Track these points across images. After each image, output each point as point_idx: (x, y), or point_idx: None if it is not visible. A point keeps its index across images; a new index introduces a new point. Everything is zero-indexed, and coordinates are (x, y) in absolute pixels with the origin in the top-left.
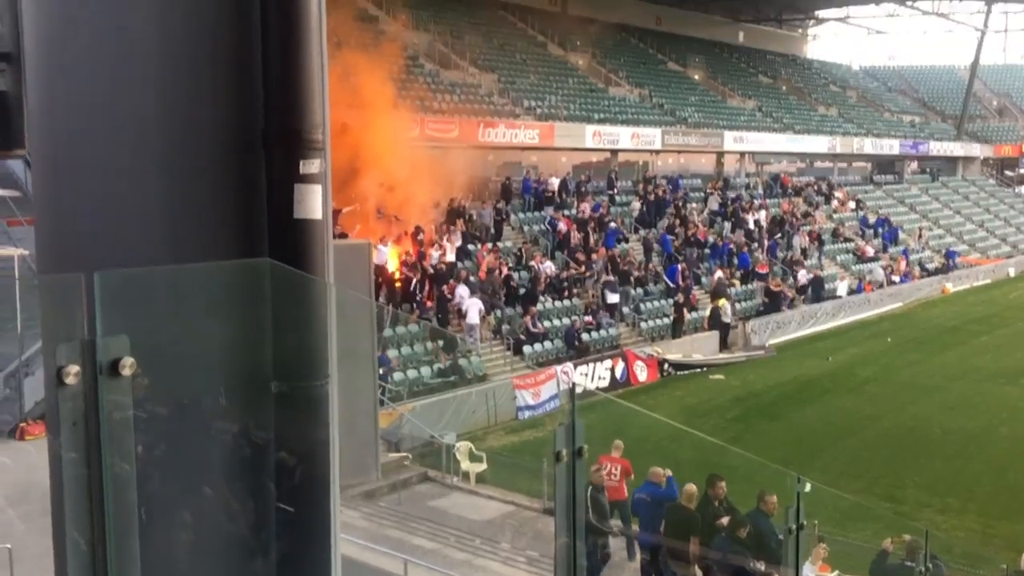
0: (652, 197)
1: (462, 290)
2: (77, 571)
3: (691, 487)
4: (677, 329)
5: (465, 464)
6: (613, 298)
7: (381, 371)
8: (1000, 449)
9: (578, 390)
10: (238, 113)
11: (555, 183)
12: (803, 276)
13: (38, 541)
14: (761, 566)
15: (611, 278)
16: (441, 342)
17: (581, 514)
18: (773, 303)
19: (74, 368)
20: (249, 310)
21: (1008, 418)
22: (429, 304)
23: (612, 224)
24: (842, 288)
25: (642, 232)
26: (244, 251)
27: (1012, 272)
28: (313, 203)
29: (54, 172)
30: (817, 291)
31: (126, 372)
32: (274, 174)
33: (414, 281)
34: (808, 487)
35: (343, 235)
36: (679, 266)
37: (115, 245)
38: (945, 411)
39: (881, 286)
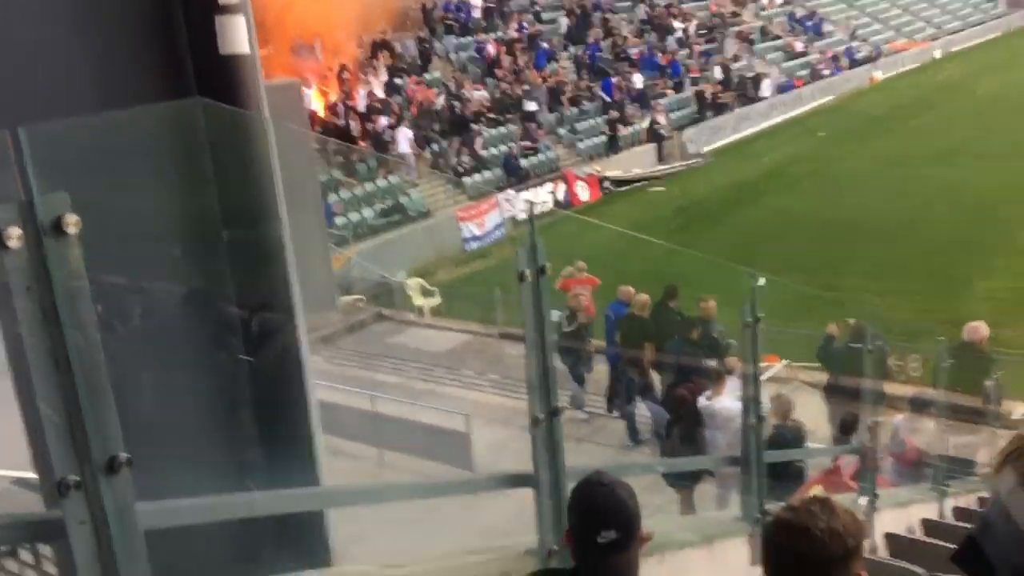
0: (578, 11)
1: (401, 133)
2: (59, 451)
3: (643, 296)
4: (614, 145)
5: (418, 300)
6: (531, 105)
7: (331, 219)
8: (934, 230)
9: (522, 215)
10: None
11: (479, 4)
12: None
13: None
14: (712, 363)
15: (527, 87)
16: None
17: (551, 332)
18: (704, 109)
19: (15, 231)
20: (187, 153)
21: (940, 200)
22: (363, 144)
23: (544, 44)
24: (766, 88)
25: (571, 49)
26: (172, 93)
27: (938, 54)
28: (238, 36)
29: None
30: (746, 91)
31: (71, 230)
32: (191, 7)
33: (344, 121)
34: (762, 281)
35: None
36: (613, 80)
37: (36, 98)
38: (880, 199)
39: (810, 81)
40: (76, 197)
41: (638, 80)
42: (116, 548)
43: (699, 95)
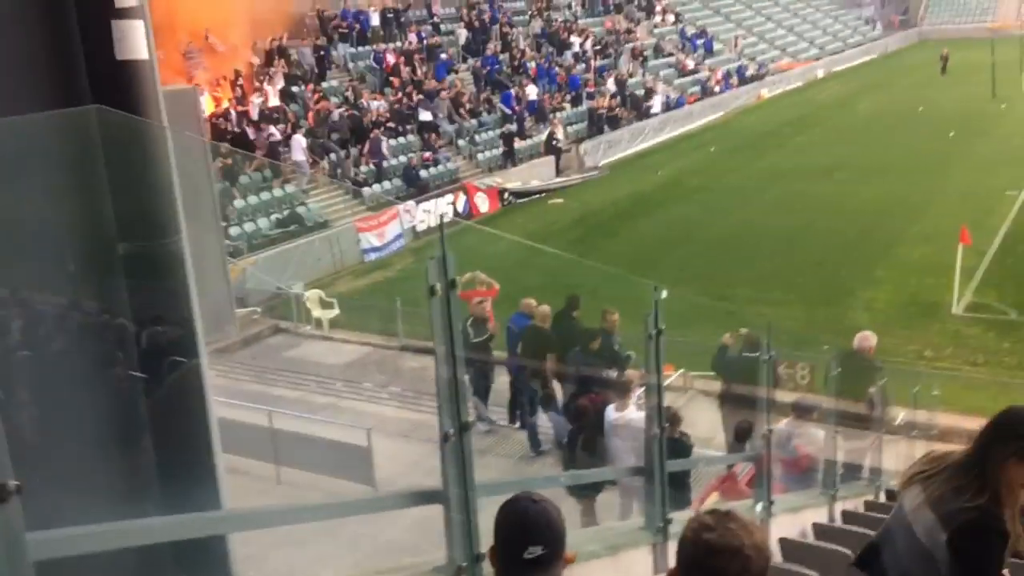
0: (477, 24)
1: (295, 141)
2: None
3: (544, 307)
4: (512, 157)
5: (317, 312)
6: (425, 115)
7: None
8: (818, 242)
9: (422, 226)
10: None
11: (375, 16)
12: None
13: None
14: (613, 374)
15: (420, 96)
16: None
17: (460, 345)
18: (599, 123)
19: None
20: (81, 161)
21: (824, 213)
22: (257, 152)
23: (443, 55)
24: (656, 104)
25: (471, 61)
26: (65, 100)
27: (821, 73)
28: (136, 41)
29: None
30: (638, 106)
31: None
32: (86, 11)
33: (238, 128)
34: (665, 294)
35: None
36: (512, 92)
37: None
38: (768, 212)
39: (701, 98)
40: None
41: (533, 91)
42: None
43: (594, 110)
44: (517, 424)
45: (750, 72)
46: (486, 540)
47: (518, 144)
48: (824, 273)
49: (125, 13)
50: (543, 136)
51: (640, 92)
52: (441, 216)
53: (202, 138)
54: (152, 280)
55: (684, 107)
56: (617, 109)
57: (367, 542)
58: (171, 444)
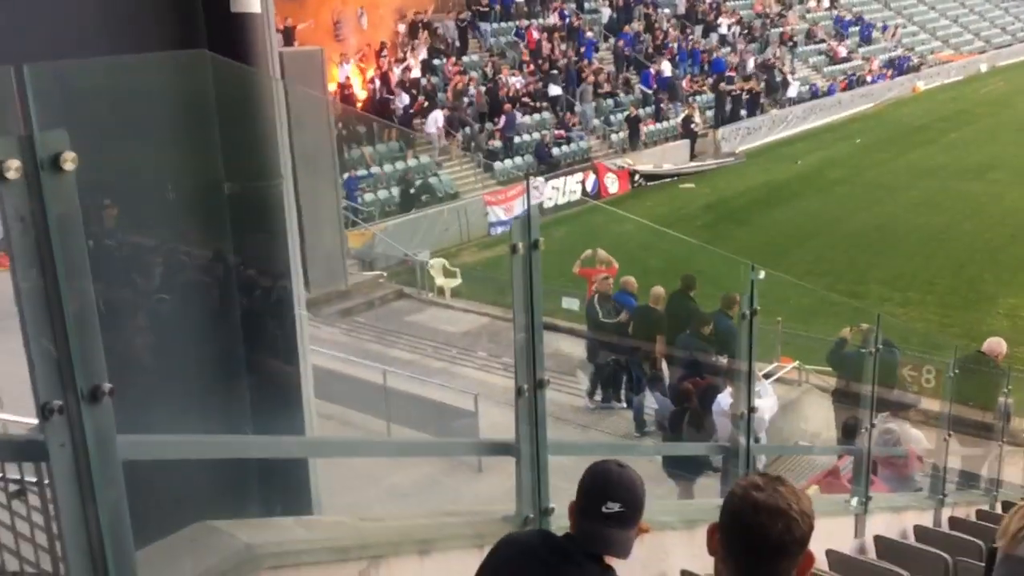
0: (621, 3)
1: (432, 114)
2: (46, 377)
3: (658, 289)
4: (646, 139)
5: (439, 280)
6: (555, 90)
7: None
8: (961, 244)
9: (548, 203)
10: None
11: None
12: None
13: (19, 365)
14: (724, 360)
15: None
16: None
17: (540, 305)
18: (737, 108)
19: (14, 163)
20: (192, 103)
21: (971, 214)
22: (395, 123)
23: (588, 33)
24: (792, 90)
25: (611, 40)
26: (182, 45)
27: (984, 68)
28: None
29: None
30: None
31: (68, 167)
32: None
33: (377, 97)
34: (762, 274)
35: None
36: (651, 71)
37: (48, 38)
38: (910, 209)
39: (851, 87)
40: (76, 136)
41: (667, 68)
42: (94, 473)
43: (733, 94)
44: (623, 404)
45: (906, 62)
46: (555, 497)
47: (652, 126)
48: (965, 276)
49: None
50: (677, 119)
51: (778, 78)
52: (527, 174)
53: (321, 97)
54: (253, 219)
55: (833, 95)
56: (756, 94)
57: (456, 495)
58: (265, 377)
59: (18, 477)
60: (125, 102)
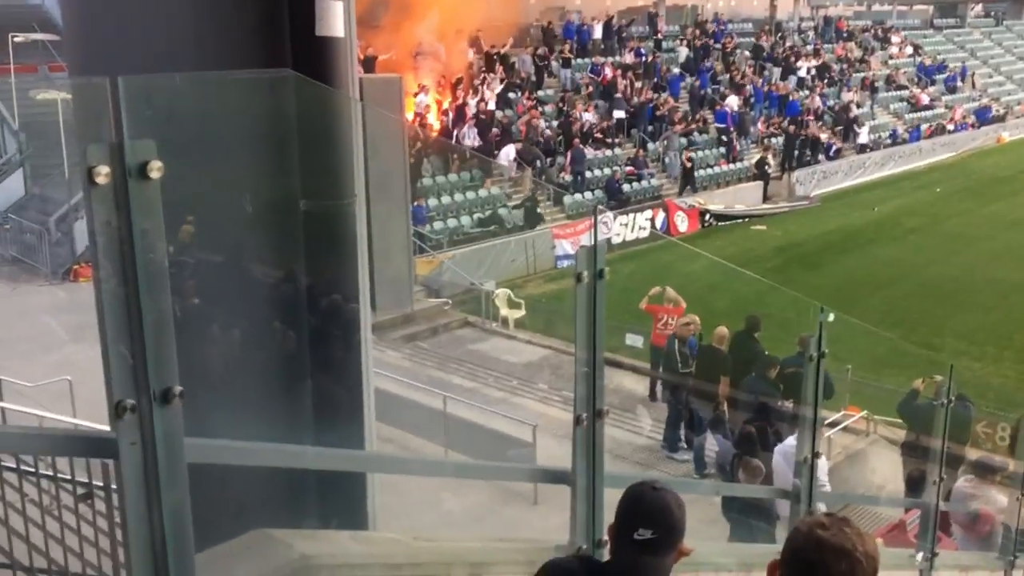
0: (699, 43)
1: (505, 148)
2: (120, 377)
3: (722, 329)
4: (690, 183)
5: (504, 310)
6: (619, 113)
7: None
8: None
9: (616, 239)
10: None
11: (598, 28)
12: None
13: (96, 374)
14: (789, 405)
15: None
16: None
17: (602, 335)
18: (811, 153)
19: (104, 169)
20: (274, 121)
21: None
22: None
23: (675, 70)
24: (864, 135)
25: (688, 79)
26: (267, 64)
27: None
28: (334, 20)
29: None
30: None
31: (154, 175)
32: None
33: (454, 130)
34: (832, 317)
35: None
36: (728, 110)
37: (141, 51)
38: (990, 261)
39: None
40: (162, 147)
41: (734, 102)
42: (161, 472)
43: (806, 137)
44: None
45: (991, 112)
46: None
47: (725, 166)
48: None
49: None
50: (750, 160)
51: (854, 121)
52: (595, 205)
53: (398, 120)
54: (326, 237)
55: (913, 143)
56: (832, 139)
57: (515, 525)
58: (328, 394)
59: (86, 480)
60: (211, 117)
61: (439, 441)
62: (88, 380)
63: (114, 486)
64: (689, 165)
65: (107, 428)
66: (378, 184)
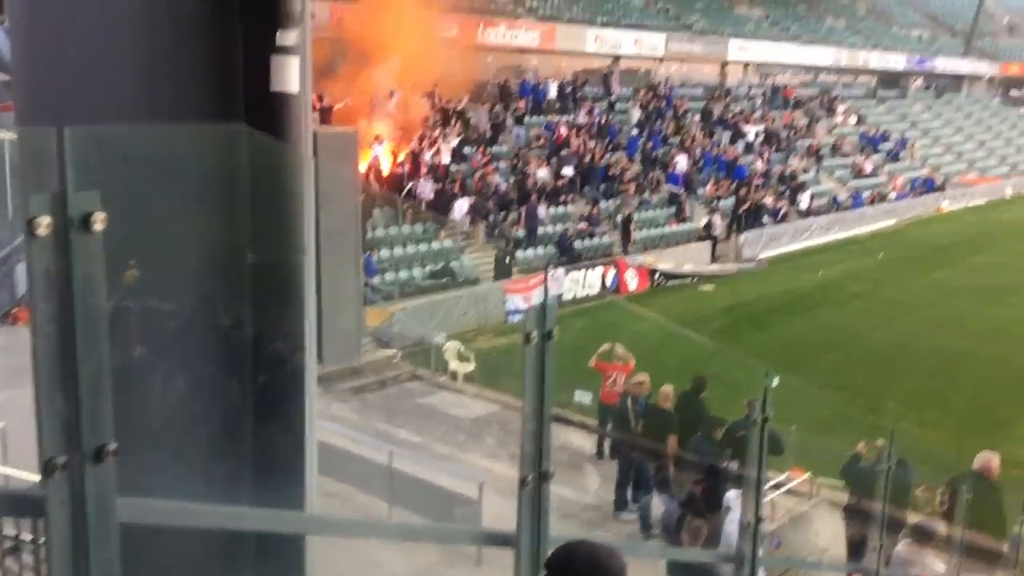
0: (651, 106)
1: (459, 201)
2: (52, 433)
3: (667, 388)
4: (626, 244)
5: (454, 363)
6: (568, 171)
7: (373, 274)
8: (981, 368)
9: (568, 296)
10: None
11: (553, 88)
12: (805, 197)
13: (30, 420)
14: (735, 466)
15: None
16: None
17: (550, 396)
18: (757, 215)
19: (45, 219)
20: (224, 175)
21: (992, 338)
22: (422, 205)
23: (634, 131)
24: (805, 200)
25: (641, 140)
26: (220, 119)
27: (1009, 192)
28: (289, 75)
29: (31, 29)
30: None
31: (97, 227)
32: (250, 45)
33: (408, 183)
34: (776, 381)
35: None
36: (679, 174)
37: (92, 103)
38: (931, 329)
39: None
40: (108, 198)
41: (683, 162)
42: (90, 532)
43: (758, 202)
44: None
45: (931, 182)
46: None
47: (674, 226)
48: (984, 401)
49: (285, 50)
50: (698, 221)
51: (796, 187)
52: (546, 268)
53: (350, 178)
54: (273, 290)
55: (858, 209)
56: (778, 203)
57: None
58: (269, 446)
59: (14, 534)
60: (160, 169)
61: (384, 497)
62: (23, 427)
63: (43, 539)
64: (629, 223)
65: (38, 479)
66: (330, 236)
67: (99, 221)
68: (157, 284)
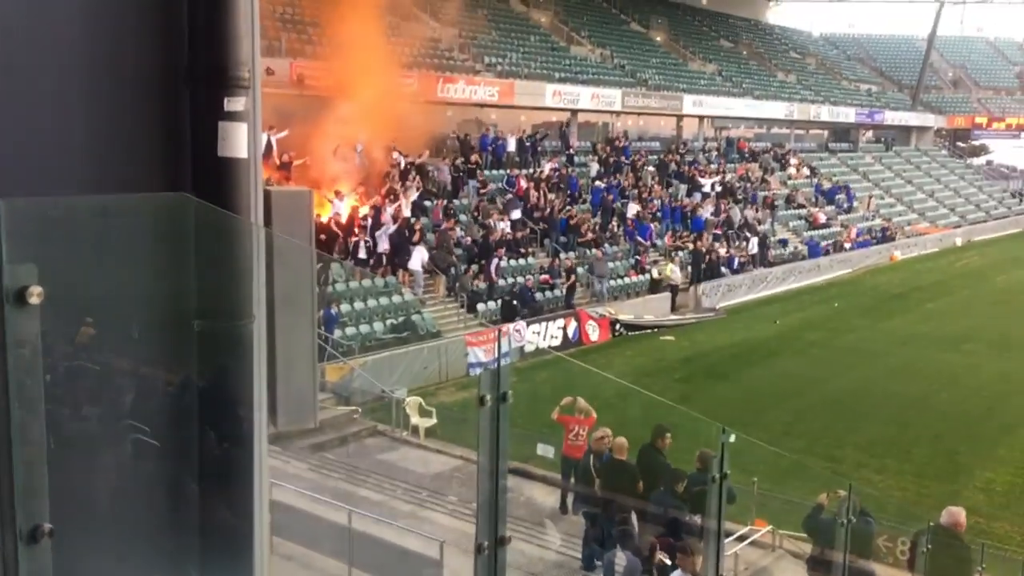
0: (611, 160)
1: (417, 251)
2: None
3: (621, 440)
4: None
5: (415, 419)
6: (516, 214)
7: (333, 328)
8: (938, 414)
9: (529, 348)
10: (162, 48)
11: (512, 142)
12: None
13: None
14: (698, 519)
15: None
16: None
17: (505, 459)
18: (711, 268)
19: None
20: (168, 245)
21: (947, 384)
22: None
23: (598, 183)
24: (753, 245)
25: (600, 192)
26: (167, 187)
27: (959, 241)
28: (238, 141)
29: None
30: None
31: (33, 300)
32: (198, 111)
33: (369, 239)
34: (732, 438)
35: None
36: (651, 226)
37: (34, 175)
38: (888, 376)
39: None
40: (47, 271)
41: (632, 210)
42: None
43: (715, 253)
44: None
45: (884, 232)
46: None
47: (634, 277)
48: (942, 447)
49: (233, 116)
50: (660, 270)
51: (760, 241)
52: (499, 330)
53: (300, 243)
54: (221, 356)
55: (813, 259)
56: (733, 253)
57: None
58: (218, 515)
59: None
60: (101, 239)
61: (343, 559)
62: None
63: None
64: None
65: None
66: (284, 296)
67: (35, 295)
68: (98, 355)
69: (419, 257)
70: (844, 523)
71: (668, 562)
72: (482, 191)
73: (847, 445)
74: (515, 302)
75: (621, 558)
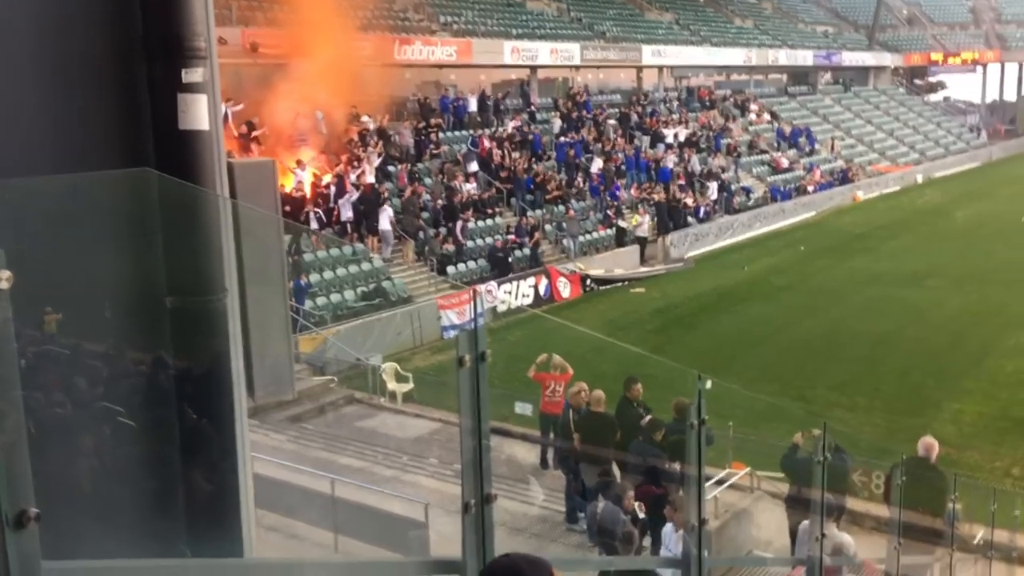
0: (574, 115)
1: (384, 212)
2: None
3: (598, 392)
4: (598, 244)
5: (391, 384)
6: (472, 166)
7: (303, 299)
8: (905, 350)
9: (502, 308)
10: (115, 19)
11: (473, 102)
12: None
13: None
14: (677, 466)
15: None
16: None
17: (487, 418)
18: (676, 217)
19: None
20: (134, 223)
21: (913, 320)
22: (348, 220)
23: (562, 139)
24: (713, 190)
25: (564, 148)
26: (129, 163)
27: (920, 179)
28: (198, 113)
29: None
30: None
31: (3, 285)
32: (155, 84)
33: (333, 204)
34: (709, 384)
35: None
36: (619, 183)
37: None
38: (855, 315)
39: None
40: (16, 253)
41: (596, 165)
42: None
43: (682, 203)
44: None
45: (845, 173)
46: None
47: (603, 231)
48: (910, 382)
49: (192, 88)
50: (628, 222)
51: (725, 188)
52: (474, 290)
53: (266, 212)
54: (195, 331)
55: (777, 204)
56: (698, 202)
57: None
58: (202, 490)
59: None
60: (68, 218)
61: (328, 526)
62: None
63: None
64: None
65: None
66: (254, 268)
67: (4, 279)
68: (72, 335)
69: (386, 216)
70: (820, 461)
71: (641, 515)
72: (435, 151)
73: (818, 385)
74: (508, 259)
75: (602, 509)
